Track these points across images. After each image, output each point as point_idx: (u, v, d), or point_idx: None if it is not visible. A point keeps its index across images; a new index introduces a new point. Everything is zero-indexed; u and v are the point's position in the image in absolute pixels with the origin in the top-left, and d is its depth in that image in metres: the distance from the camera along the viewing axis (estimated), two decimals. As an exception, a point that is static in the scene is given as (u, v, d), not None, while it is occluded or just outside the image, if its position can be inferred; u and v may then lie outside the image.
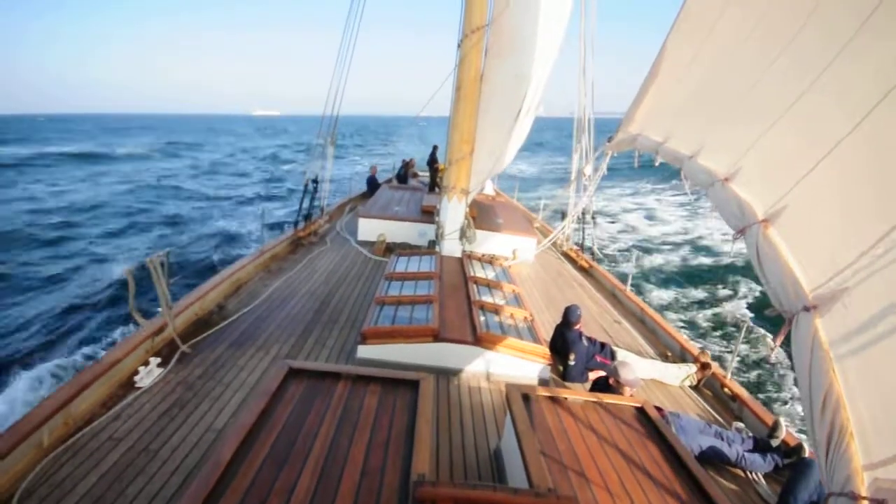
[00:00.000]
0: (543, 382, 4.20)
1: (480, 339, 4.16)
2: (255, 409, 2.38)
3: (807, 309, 1.23)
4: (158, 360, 3.80)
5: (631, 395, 3.47)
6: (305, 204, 8.53)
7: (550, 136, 58.57)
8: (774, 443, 3.55)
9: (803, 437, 3.54)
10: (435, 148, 12.81)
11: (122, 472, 2.70)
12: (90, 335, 8.42)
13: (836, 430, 1.00)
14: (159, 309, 4.06)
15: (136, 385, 3.53)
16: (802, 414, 6.46)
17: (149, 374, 3.64)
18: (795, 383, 7.05)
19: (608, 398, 3.10)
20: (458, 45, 6.58)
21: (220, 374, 3.81)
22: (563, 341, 4.51)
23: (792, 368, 7.08)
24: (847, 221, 1.34)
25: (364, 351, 4.15)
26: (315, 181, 8.74)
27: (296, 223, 8.32)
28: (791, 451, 3.46)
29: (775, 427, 3.62)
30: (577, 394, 3.08)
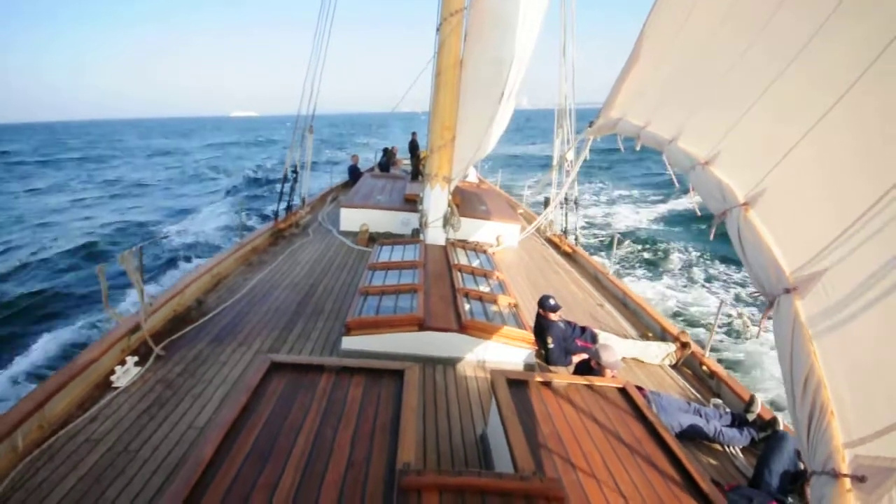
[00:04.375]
0: (529, 368, 4.25)
1: (465, 327, 4.17)
2: (236, 404, 2.33)
3: (787, 291, 1.25)
4: (136, 358, 3.69)
5: (613, 377, 3.54)
6: (286, 194, 8.34)
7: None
8: (751, 417, 3.68)
9: (779, 412, 3.68)
10: (414, 135, 12.65)
11: (100, 473, 2.63)
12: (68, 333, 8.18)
13: (817, 410, 1.03)
14: (137, 307, 3.93)
15: (114, 385, 3.43)
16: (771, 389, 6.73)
17: (126, 374, 3.54)
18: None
19: (591, 380, 3.15)
20: (437, 30, 6.45)
21: (200, 370, 3.73)
22: (539, 327, 4.58)
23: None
24: (825, 202, 1.36)
25: (349, 342, 4.11)
26: (295, 171, 8.53)
27: (276, 214, 8.14)
28: (766, 425, 3.59)
29: (751, 402, 3.75)
30: (560, 377, 3.12)
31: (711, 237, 2.01)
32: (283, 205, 8.29)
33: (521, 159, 35.41)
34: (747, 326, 4.36)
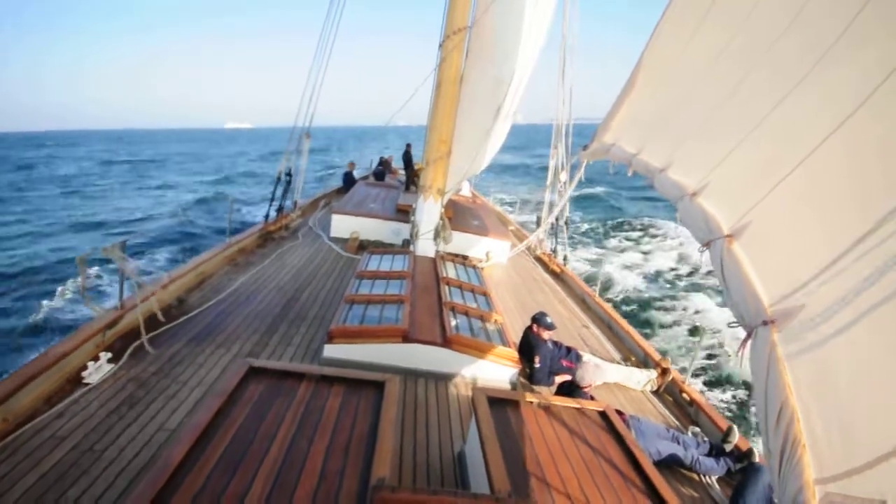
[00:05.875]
0: (512, 386, 4.23)
1: (450, 342, 4.14)
2: (210, 408, 2.27)
3: (765, 323, 1.27)
4: (109, 355, 3.59)
5: (591, 397, 3.54)
6: (277, 196, 8.30)
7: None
8: (728, 447, 3.69)
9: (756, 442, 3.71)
10: (408, 146, 12.74)
11: (64, 472, 2.54)
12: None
13: (790, 443, 1.04)
14: (116, 301, 3.85)
15: (84, 381, 3.33)
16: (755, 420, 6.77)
17: (98, 370, 3.44)
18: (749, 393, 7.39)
19: (572, 402, 3.14)
20: (440, 46, 6.55)
21: (176, 371, 3.65)
22: (527, 344, 4.56)
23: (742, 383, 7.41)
24: (808, 238, 1.39)
25: (331, 350, 4.06)
26: (289, 174, 8.50)
27: (266, 216, 8.08)
28: (742, 456, 3.61)
29: (729, 432, 3.76)
30: (542, 398, 3.11)
31: (702, 267, 2.03)
32: (275, 207, 8.24)
33: (516, 171, 35.99)
34: (729, 355, 4.41)
